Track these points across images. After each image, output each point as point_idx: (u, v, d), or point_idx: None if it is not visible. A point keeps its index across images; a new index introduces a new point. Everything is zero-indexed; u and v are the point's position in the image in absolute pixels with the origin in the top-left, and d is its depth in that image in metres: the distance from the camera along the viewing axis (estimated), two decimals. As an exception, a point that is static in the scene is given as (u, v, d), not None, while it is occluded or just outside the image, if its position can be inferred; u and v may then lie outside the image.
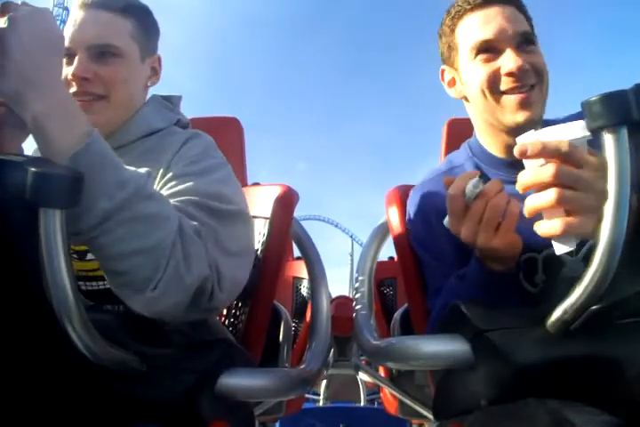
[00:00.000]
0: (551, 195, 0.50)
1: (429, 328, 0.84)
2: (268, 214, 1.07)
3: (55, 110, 0.53)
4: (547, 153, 0.50)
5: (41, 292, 0.46)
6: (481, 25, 0.75)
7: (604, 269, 0.45)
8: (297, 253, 1.78)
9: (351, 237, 26.82)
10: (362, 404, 3.22)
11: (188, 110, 1.09)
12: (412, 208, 0.92)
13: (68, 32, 0.80)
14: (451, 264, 0.80)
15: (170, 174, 0.75)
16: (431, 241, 0.85)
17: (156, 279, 0.57)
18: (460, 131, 1.29)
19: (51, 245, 0.44)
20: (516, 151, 0.52)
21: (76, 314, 0.47)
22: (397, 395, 1.30)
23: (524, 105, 0.74)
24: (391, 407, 1.53)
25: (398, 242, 1.05)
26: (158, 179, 0.75)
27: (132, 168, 0.59)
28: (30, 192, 0.42)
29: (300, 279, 1.85)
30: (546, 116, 0.82)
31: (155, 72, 0.93)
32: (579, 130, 0.49)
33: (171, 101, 0.95)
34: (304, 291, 1.82)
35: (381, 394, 1.67)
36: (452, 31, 0.81)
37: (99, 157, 0.54)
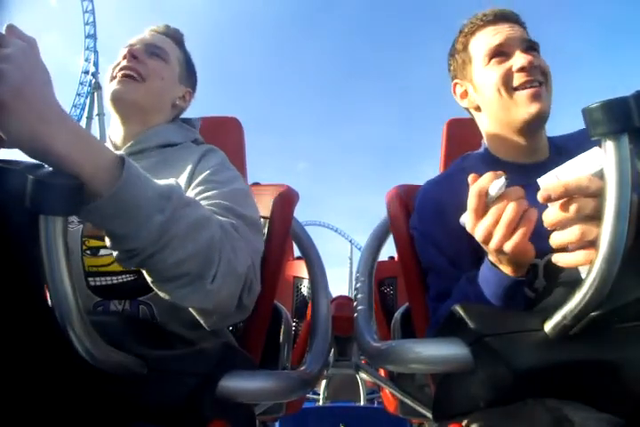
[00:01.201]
0: (575, 231, 0.54)
1: (431, 332, 0.84)
2: (268, 214, 1.07)
3: (76, 141, 0.50)
4: (569, 193, 0.53)
5: (43, 297, 0.46)
6: (492, 35, 0.85)
7: (604, 275, 0.45)
8: (297, 252, 1.77)
9: (350, 241, 27.65)
10: (362, 403, 3.22)
11: (188, 110, 1.09)
12: (422, 208, 0.91)
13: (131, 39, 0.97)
14: (464, 267, 0.79)
15: (196, 181, 0.82)
16: (449, 243, 0.84)
17: (212, 273, 0.61)
18: (459, 131, 1.29)
19: (51, 251, 0.44)
20: (539, 197, 0.55)
21: (78, 319, 0.47)
22: (397, 395, 1.30)
23: (535, 97, 0.80)
24: (391, 407, 1.54)
25: (400, 241, 1.05)
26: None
27: (164, 180, 0.60)
28: (30, 200, 0.42)
29: (301, 279, 1.84)
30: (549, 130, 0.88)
31: (184, 100, 1.05)
32: (594, 161, 0.53)
33: (190, 123, 1.06)
34: (304, 291, 1.82)
35: (381, 393, 1.67)
36: (466, 47, 0.89)
37: (139, 179, 0.55)
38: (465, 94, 0.93)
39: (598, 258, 0.45)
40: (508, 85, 0.82)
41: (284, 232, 1.08)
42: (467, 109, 0.96)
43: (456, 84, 0.94)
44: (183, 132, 1.01)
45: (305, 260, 1.21)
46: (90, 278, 0.79)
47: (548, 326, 0.52)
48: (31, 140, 0.47)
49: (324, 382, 3.29)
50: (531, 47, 0.84)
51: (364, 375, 1.74)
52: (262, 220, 1.05)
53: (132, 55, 0.92)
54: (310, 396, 3.41)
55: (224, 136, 1.27)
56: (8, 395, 0.51)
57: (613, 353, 0.52)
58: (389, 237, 1.19)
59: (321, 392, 3.38)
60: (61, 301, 0.46)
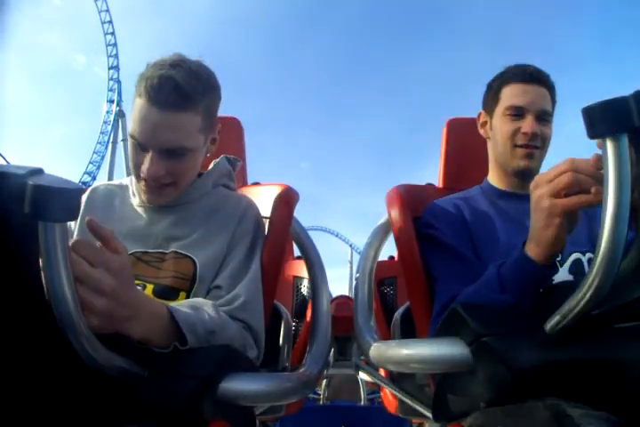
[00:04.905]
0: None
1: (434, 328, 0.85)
2: (268, 214, 1.07)
3: (150, 327, 0.62)
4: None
5: (44, 301, 0.46)
6: (520, 94, 1.04)
7: (604, 275, 0.45)
8: (297, 252, 1.77)
9: (350, 246, 28.70)
10: (362, 403, 3.22)
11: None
12: (435, 219, 1.03)
13: (138, 125, 0.82)
14: (473, 266, 0.90)
15: (234, 258, 0.91)
16: (464, 248, 0.96)
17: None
18: (459, 130, 1.29)
19: (51, 257, 0.44)
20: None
21: (78, 323, 0.47)
22: (397, 395, 1.29)
23: (527, 157, 1.03)
24: (391, 407, 1.53)
25: (400, 241, 1.05)
26: (227, 240, 0.92)
27: (207, 316, 0.73)
28: (29, 206, 0.41)
29: (301, 279, 1.84)
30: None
31: (214, 141, 0.97)
32: None
33: (232, 163, 1.11)
34: (304, 290, 1.82)
35: (381, 393, 1.67)
36: (499, 90, 1.08)
37: (190, 325, 0.67)
38: (484, 124, 1.14)
39: (598, 258, 0.45)
40: (512, 141, 1.04)
41: (284, 232, 1.08)
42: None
43: (481, 113, 1.15)
44: (210, 180, 1.01)
45: (305, 260, 1.21)
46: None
47: (548, 326, 0.52)
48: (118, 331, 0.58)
49: (324, 382, 3.29)
50: (543, 115, 1.03)
51: (364, 375, 1.74)
52: (262, 219, 1.05)
53: (152, 180, 0.86)
54: (310, 396, 3.41)
55: (224, 136, 1.27)
56: (10, 397, 0.51)
57: (613, 353, 0.53)
58: (389, 237, 1.19)
59: (321, 392, 3.39)
60: (61, 306, 0.46)
